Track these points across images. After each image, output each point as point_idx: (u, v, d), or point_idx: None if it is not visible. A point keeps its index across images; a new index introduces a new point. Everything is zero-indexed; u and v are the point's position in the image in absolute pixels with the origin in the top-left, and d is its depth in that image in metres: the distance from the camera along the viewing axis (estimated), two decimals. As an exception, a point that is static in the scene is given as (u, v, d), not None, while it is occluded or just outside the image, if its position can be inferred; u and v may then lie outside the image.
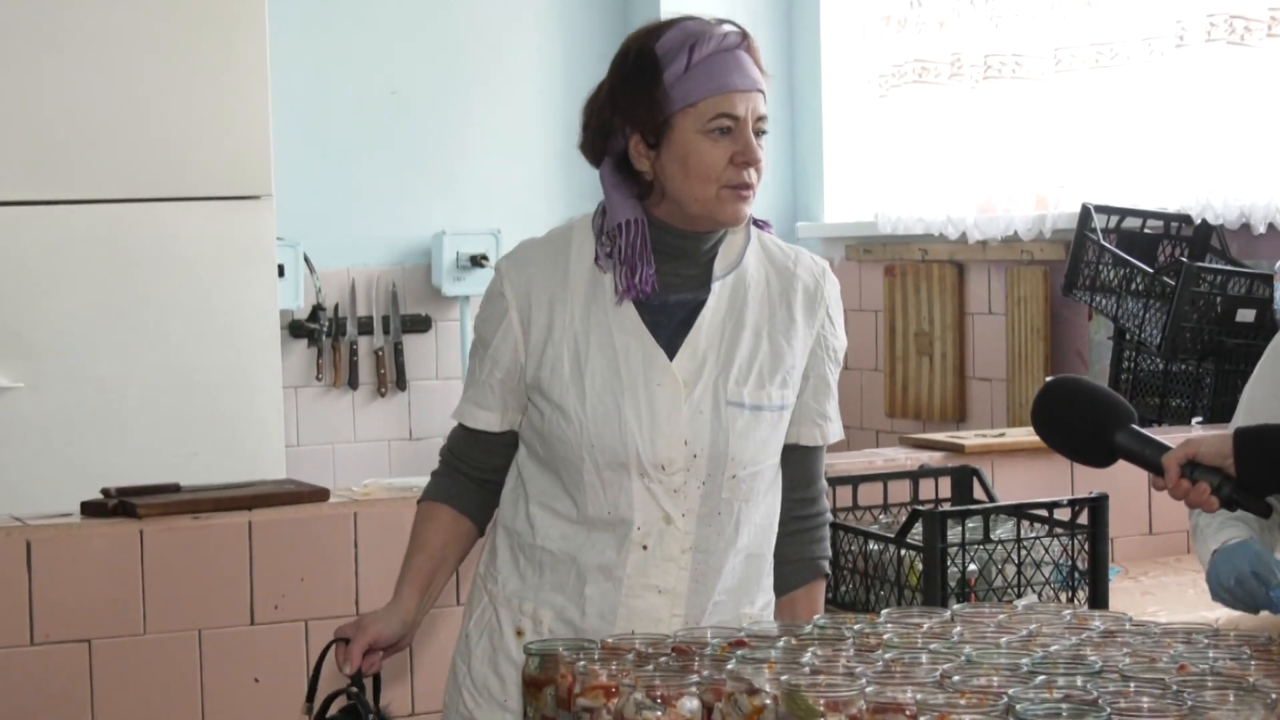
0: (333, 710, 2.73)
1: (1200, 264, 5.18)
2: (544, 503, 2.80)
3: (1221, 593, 3.24)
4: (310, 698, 2.77)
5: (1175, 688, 2.08)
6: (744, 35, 2.74)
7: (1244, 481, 2.50)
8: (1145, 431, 2.59)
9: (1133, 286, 5.24)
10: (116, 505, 3.75)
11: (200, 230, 5.28)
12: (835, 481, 3.99)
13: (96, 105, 5.16)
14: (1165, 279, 5.11)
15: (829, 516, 2.98)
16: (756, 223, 2.86)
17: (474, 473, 2.87)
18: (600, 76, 2.78)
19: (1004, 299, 6.17)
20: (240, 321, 5.34)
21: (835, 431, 2.92)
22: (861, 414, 6.83)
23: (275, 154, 5.42)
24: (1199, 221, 5.40)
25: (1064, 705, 2.01)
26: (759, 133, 2.72)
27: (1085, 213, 5.41)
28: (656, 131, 2.70)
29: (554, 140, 6.83)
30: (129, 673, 3.67)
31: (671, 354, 2.75)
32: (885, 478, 4.05)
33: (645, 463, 2.72)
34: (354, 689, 2.71)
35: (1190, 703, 2.02)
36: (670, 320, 2.76)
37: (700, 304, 2.78)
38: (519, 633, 2.80)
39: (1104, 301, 5.35)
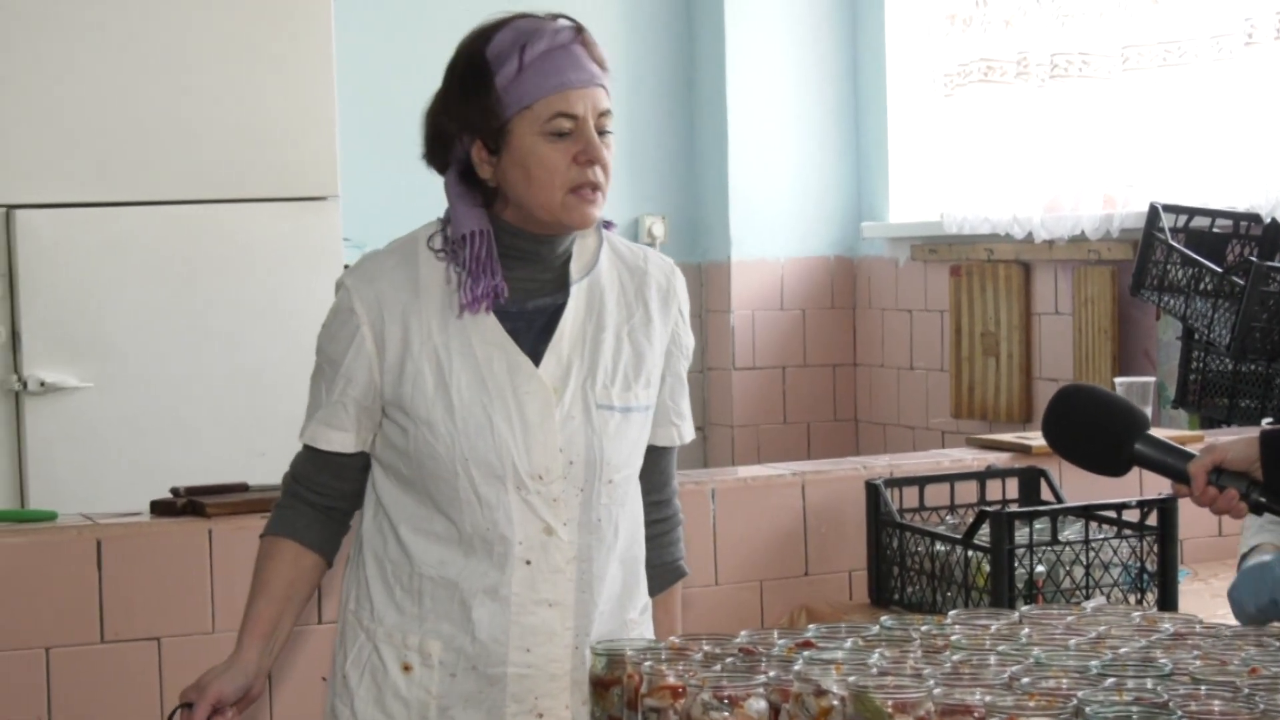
0: None
1: (1270, 263, 5.14)
2: (416, 526, 2.69)
3: (1243, 617, 3.08)
4: None
5: (1247, 690, 2.07)
6: (578, 29, 2.67)
7: (1272, 485, 2.48)
8: (1162, 438, 2.56)
9: (1201, 286, 5.20)
10: (185, 504, 3.77)
11: (267, 231, 5.30)
12: (902, 482, 3.99)
13: (162, 107, 5.19)
14: (1234, 278, 5.08)
15: (683, 517, 2.93)
16: (604, 224, 2.79)
17: (320, 501, 2.76)
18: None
19: (1071, 299, 6.14)
20: (307, 322, 5.30)
21: (689, 432, 2.87)
22: (927, 414, 6.80)
23: (341, 154, 5.44)
24: (1268, 220, 5.36)
25: (1134, 708, 2.00)
26: (603, 130, 2.66)
27: (1153, 212, 5.38)
28: (495, 138, 2.65)
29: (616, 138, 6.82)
30: (198, 670, 3.65)
31: (536, 361, 2.68)
32: (952, 479, 4.04)
33: (522, 473, 2.65)
34: None
35: (1262, 706, 2.00)
36: (530, 327, 2.69)
37: (559, 308, 2.71)
38: (406, 668, 2.70)
39: (1172, 301, 5.31)
